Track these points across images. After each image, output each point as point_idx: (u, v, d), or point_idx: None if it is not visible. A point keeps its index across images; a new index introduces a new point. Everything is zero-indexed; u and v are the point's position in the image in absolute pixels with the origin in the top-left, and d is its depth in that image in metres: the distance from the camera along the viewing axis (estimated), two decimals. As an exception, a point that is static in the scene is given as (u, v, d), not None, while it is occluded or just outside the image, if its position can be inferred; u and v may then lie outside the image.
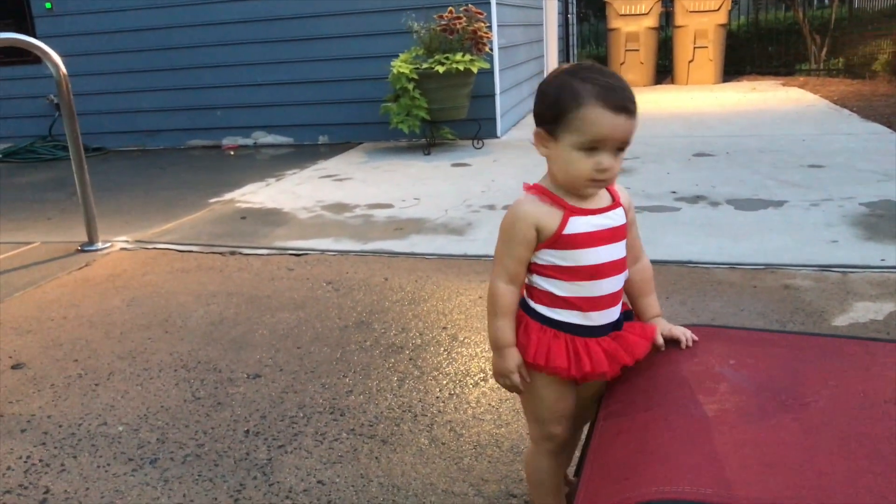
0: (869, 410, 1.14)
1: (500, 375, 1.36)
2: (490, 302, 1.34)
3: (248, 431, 2.07)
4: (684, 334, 1.38)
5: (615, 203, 1.33)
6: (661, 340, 1.37)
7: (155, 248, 3.85)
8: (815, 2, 15.35)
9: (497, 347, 1.34)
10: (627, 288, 1.40)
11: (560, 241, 1.28)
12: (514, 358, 1.33)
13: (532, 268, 1.33)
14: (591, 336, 1.32)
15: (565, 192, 1.29)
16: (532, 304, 1.35)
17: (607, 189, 1.34)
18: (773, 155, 5.29)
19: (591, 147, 1.21)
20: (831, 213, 3.78)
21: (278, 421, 2.11)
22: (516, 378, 1.34)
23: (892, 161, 4.89)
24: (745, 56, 12.10)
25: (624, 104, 1.21)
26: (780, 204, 3.99)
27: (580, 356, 1.30)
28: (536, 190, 1.31)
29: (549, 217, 1.28)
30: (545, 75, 8.58)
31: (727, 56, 10.84)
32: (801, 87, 9.70)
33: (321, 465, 1.89)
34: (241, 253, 3.70)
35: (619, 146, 1.23)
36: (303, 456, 1.94)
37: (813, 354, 1.33)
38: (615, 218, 1.31)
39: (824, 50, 11.54)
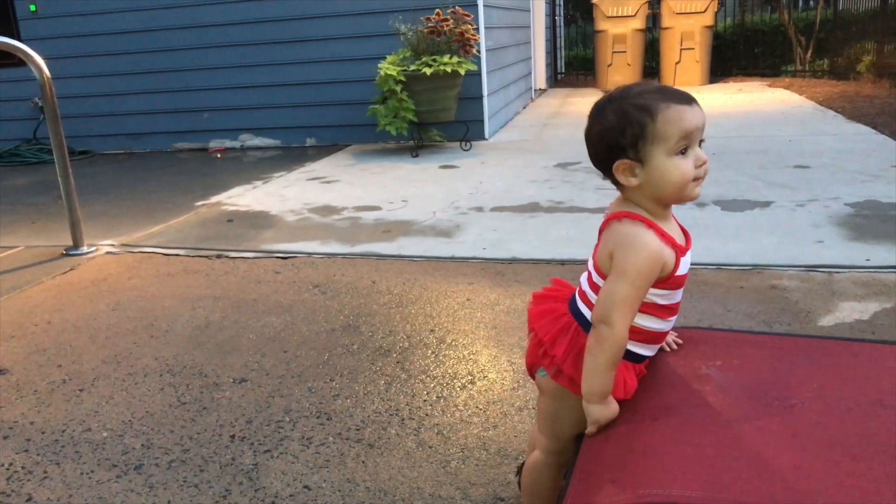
0: (854, 412, 1.14)
1: (598, 423, 1.23)
2: (610, 350, 1.21)
3: (233, 436, 2.05)
4: (666, 342, 1.39)
5: (687, 237, 1.31)
6: None
7: (141, 252, 3.82)
8: (801, 4, 15.47)
9: (604, 396, 1.23)
10: None
11: (670, 281, 1.25)
12: (616, 406, 1.24)
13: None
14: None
15: (657, 219, 1.25)
16: None
17: (676, 221, 1.31)
18: (760, 156, 5.31)
19: (684, 147, 1.20)
20: (817, 213, 3.80)
21: (264, 426, 2.10)
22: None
23: (876, 162, 4.92)
24: (731, 57, 12.16)
25: (688, 95, 1.22)
26: (766, 204, 4.01)
27: (636, 386, 1.30)
28: (643, 221, 1.23)
29: (669, 255, 1.23)
30: (532, 77, 8.49)
31: (714, 57, 10.89)
32: (787, 88, 9.76)
33: (308, 470, 1.88)
34: (227, 256, 3.67)
35: (701, 138, 1.23)
36: (289, 461, 1.92)
37: (799, 356, 1.33)
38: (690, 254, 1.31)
39: (809, 51, 11.61)
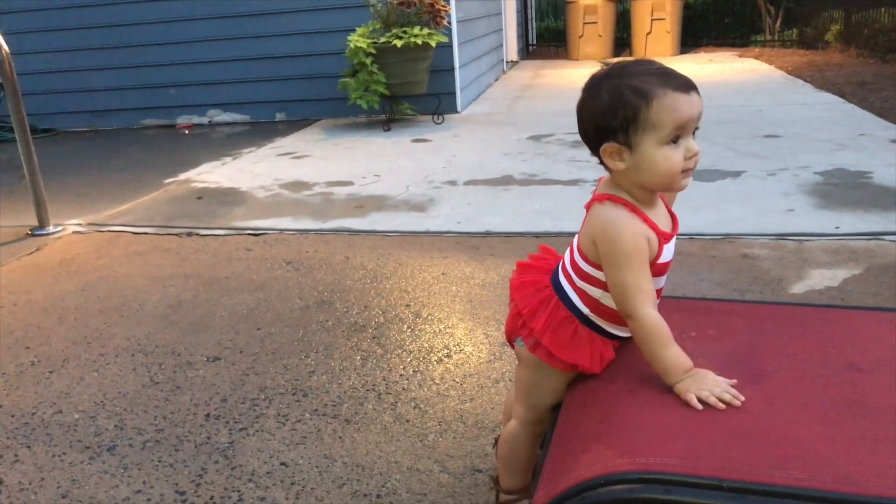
0: (828, 378, 1.15)
1: (700, 394, 1.11)
2: (652, 335, 1.16)
3: (208, 415, 2.03)
4: None
5: (674, 224, 1.28)
6: None
7: (109, 231, 3.75)
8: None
9: (683, 371, 1.14)
10: None
11: (653, 267, 1.21)
12: (708, 373, 1.15)
13: (606, 286, 1.24)
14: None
15: (643, 204, 1.22)
16: (596, 319, 1.27)
17: (664, 203, 1.28)
18: (731, 126, 5.34)
19: (675, 137, 1.15)
20: (787, 182, 3.84)
21: (239, 403, 2.08)
22: (728, 386, 1.12)
23: (845, 130, 4.97)
24: (701, 28, 12.20)
25: (689, 81, 1.16)
26: (737, 174, 4.03)
27: (610, 353, 1.30)
28: (625, 205, 1.20)
29: (651, 238, 1.19)
30: (504, 49, 8.42)
31: (684, 28, 10.89)
32: (757, 58, 9.81)
33: (284, 447, 1.87)
34: (197, 234, 3.62)
35: (696, 127, 1.18)
36: (265, 438, 1.91)
37: (772, 324, 1.34)
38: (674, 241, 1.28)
39: (778, 21, 11.67)
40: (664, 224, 1.24)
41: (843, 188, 3.67)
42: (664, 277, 1.28)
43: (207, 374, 2.25)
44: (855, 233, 3.06)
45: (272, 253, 3.28)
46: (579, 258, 1.27)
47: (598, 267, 1.23)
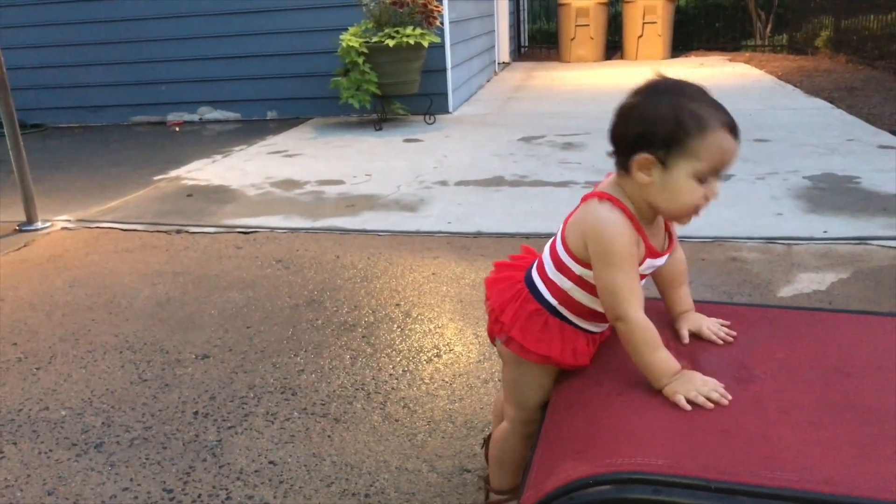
0: (815, 381, 1.16)
1: (687, 394, 1.11)
2: (639, 339, 1.17)
3: (196, 413, 2.03)
4: (715, 334, 1.31)
5: (671, 243, 1.28)
6: (685, 333, 1.33)
7: (98, 227, 3.73)
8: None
9: (669, 374, 1.14)
10: (658, 278, 1.38)
11: None
12: (696, 374, 1.15)
13: (581, 283, 1.24)
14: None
15: (641, 217, 1.20)
16: (564, 311, 1.28)
17: (665, 223, 1.28)
18: (721, 130, 5.35)
19: (709, 176, 1.14)
20: (777, 186, 3.86)
21: (228, 402, 2.07)
22: (717, 385, 1.12)
23: (834, 135, 5.01)
24: (692, 32, 12.23)
25: (738, 128, 1.16)
26: (727, 178, 4.05)
27: (588, 352, 1.30)
28: (621, 207, 1.19)
29: (640, 243, 1.19)
30: (496, 51, 8.42)
31: (675, 32, 10.93)
32: (747, 62, 9.86)
33: (273, 446, 1.86)
34: (187, 231, 3.61)
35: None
36: (254, 437, 1.91)
37: (761, 327, 1.35)
38: (665, 259, 1.28)
39: (769, 26, 11.73)
40: (656, 241, 1.24)
41: (832, 193, 3.70)
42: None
43: (196, 372, 2.24)
44: (842, 237, 3.08)
45: (262, 251, 3.27)
46: (561, 247, 1.27)
47: (578, 260, 1.23)
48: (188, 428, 1.96)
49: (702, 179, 1.14)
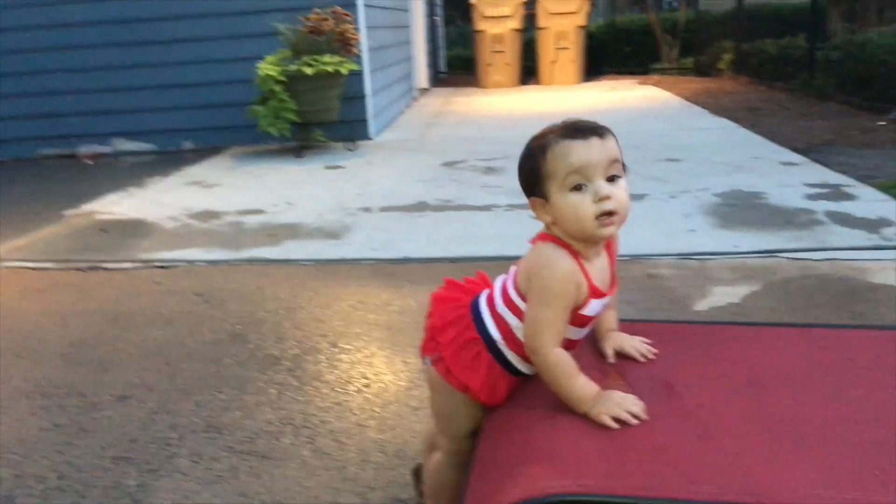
0: (733, 394, 1.20)
1: (611, 414, 1.13)
2: (552, 373, 1.19)
3: (116, 458, 1.94)
4: (638, 351, 1.35)
5: (613, 285, 1.30)
6: (609, 352, 1.35)
7: (4, 267, 3.56)
8: (665, 5, 16.29)
9: (589, 399, 1.16)
10: None
11: (574, 317, 1.23)
12: (614, 392, 1.17)
13: None
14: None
15: (583, 255, 1.23)
16: (504, 347, 1.28)
17: (610, 261, 1.29)
18: (633, 150, 5.54)
19: (580, 183, 1.17)
20: (688, 204, 4.01)
21: (150, 444, 2.00)
22: (636, 401, 1.15)
23: (740, 154, 5.24)
24: (603, 56, 12.65)
25: (588, 127, 1.19)
26: (641, 197, 4.18)
27: (504, 396, 1.31)
28: (566, 247, 1.21)
29: (581, 285, 1.21)
30: (414, 77, 8.50)
31: (588, 57, 11.26)
32: (656, 85, 10.24)
33: (199, 487, 1.80)
34: (102, 268, 3.48)
35: (610, 173, 1.18)
36: (178, 479, 1.84)
37: (680, 342, 1.39)
38: (610, 300, 1.30)
39: (675, 50, 12.25)
40: (600, 280, 1.26)
41: (741, 209, 3.86)
42: (585, 330, 1.30)
43: (114, 415, 2.15)
44: (752, 251, 3.21)
45: (182, 285, 3.18)
46: (511, 287, 1.30)
47: (525, 299, 1.26)
48: (106, 474, 1.87)
49: (578, 188, 1.18)
